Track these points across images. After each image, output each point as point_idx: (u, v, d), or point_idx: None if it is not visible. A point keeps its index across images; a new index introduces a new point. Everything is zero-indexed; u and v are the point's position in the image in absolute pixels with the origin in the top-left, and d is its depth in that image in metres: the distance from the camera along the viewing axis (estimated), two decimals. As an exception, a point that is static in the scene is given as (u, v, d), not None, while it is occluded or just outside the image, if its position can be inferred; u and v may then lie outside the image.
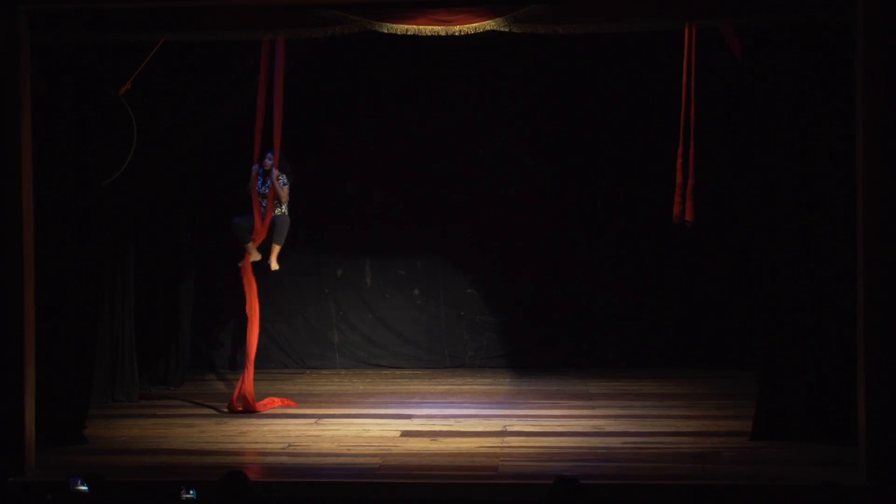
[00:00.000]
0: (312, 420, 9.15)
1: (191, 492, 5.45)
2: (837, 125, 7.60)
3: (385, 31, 7.72)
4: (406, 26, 7.67)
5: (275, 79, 9.08)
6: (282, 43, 8.90)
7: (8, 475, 7.30)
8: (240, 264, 9.56)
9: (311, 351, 11.76)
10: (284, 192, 9.44)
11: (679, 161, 8.37)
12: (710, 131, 9.36)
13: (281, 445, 8.26)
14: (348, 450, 8.07)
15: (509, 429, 8.70)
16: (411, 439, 8.40)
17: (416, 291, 11.77)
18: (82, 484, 5.57)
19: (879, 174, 7.00)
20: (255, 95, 9.28)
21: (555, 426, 8.80)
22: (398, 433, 8.60)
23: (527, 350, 11.60)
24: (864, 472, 6.91)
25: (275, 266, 9.73)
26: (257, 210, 9.37)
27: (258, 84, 9.13)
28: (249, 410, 9.28)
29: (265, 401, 9.54)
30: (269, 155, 9.35)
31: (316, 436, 8.59)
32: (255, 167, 9.39)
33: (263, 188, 9.40)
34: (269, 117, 9.18)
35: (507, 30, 7.64)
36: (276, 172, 9.35)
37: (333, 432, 8.67)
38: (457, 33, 7.69)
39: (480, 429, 8.72)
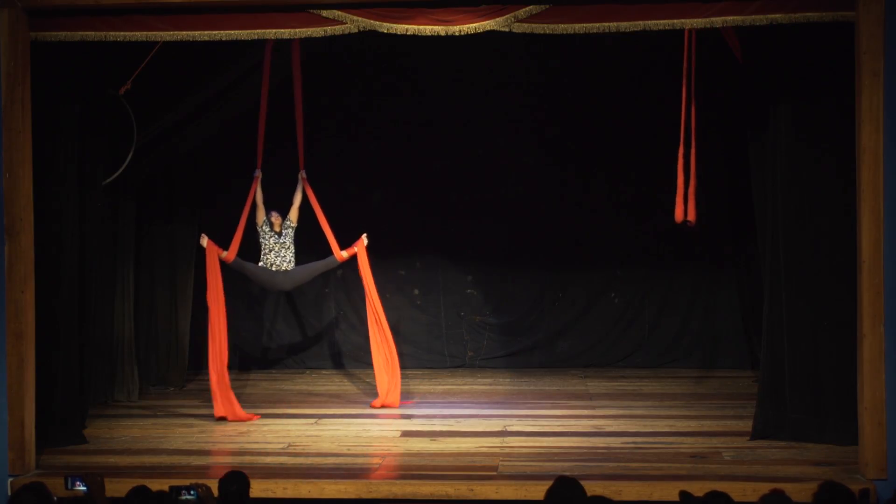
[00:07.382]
0: (312, 420, 9.15)
1: (191, 492, 5.44)
2: (838, 125, 7.60)
3: (385, 31, 7.70)
4: (406, 26, 7.65)
5: (293, 78, 9.23)
6: (296, 43, 8.94)
7: (8, 475, 7.31)
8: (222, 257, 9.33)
9: (311, 351, 11.75)
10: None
11: (680, 162, 8.36)
12: (711, 132, 9.36)
13: (281, 445, 8.26)
14: (348, 450, 8.07)
15: (509, 429, 8.70)
16: (411, 439, 8.41)
17: (416, 291, 11.76)
18: (81, 484, 5.56)
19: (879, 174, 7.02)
20: (255, 95, 9.27)
21: (555, 426, 8.80)
22: (398, 433, 8.60)
23: (527, 350, 11.60)
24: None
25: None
26: (244, 220, 9.26)
27: (262, 85, 9.15)
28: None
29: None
30: (274, 213, 9.42)
31: (316, 436, 8.59)
32: (256, 172, 9.38)
33: (283, 240, 9.45)
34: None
35: (507, 30, 7.63)
36: (303, 173, 9.48)
37: (333, 432, 8.67)
38: (457, 33, 7.68)
39: (480, 429, 8.72)
